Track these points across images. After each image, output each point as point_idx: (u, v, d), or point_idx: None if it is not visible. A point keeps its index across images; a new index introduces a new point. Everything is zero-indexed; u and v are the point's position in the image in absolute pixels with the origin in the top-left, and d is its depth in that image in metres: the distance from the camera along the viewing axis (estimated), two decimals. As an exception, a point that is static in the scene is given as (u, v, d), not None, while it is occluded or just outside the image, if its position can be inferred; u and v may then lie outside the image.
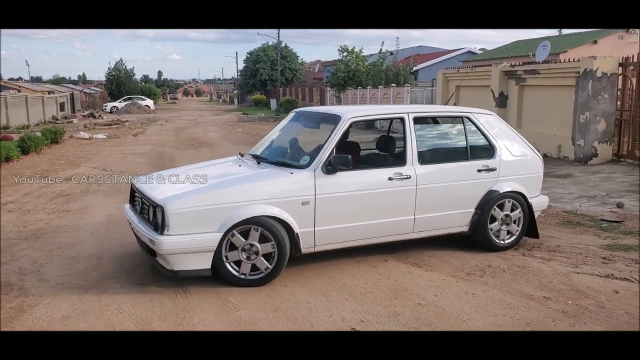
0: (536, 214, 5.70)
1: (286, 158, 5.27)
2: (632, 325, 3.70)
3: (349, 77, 27.57)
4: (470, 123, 5.53)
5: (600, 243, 5.62)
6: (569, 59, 12.44)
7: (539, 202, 5.74)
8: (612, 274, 4.67)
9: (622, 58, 10.64)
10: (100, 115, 34.52)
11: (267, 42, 51.06)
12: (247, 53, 52.58)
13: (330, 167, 4.70)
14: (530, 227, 5.60)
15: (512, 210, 5.49)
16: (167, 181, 5.03)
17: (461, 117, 5.58)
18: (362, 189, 4.88)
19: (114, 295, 4.38)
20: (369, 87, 24.84)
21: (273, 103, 42.03)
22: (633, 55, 10.43)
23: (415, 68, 28.09)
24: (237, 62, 78.07)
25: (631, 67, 10.44)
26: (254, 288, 4.48)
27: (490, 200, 5.36)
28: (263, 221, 4.47)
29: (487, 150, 5.52)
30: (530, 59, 15.52)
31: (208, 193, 4.54)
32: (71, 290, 4.51)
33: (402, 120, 5.26)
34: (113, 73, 56.76)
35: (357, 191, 4.85)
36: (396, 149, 5.53)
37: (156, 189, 4.80)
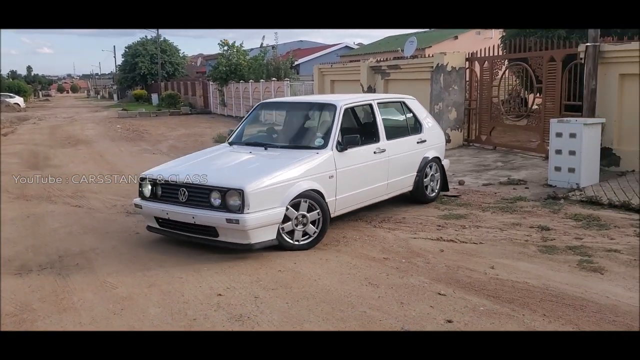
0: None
1: (296, 141, 6.20)
2: (448, 275, 4.57)
3: (230, 71, 27.74)
4: (405, 106, 7.11)
5: (439, 214, 6.60)
6: (428, 54, 13.77)
7: (446, 164, 7.55)
8: (441, 237, 5.61)
9: (469, 53, 12.00)
10: (-38, 115, 31.95)
11: (146, 36, 49.76)
12: (126, 47, 50.71)
13: (342, 146, 5.78)
14: (443, 183, 7.40)
15: (435, 171, 7.20)
16: (206, 170, 5.47)
17: (399, 101, 7.21)
18: (361, 162, 6.05)
19: (-8, 284, 4.60)
20: (251, 80, 25.27)
21: (154, 98, 41.06)
22: (477, 51, 11.81)
23: (296, 62, 28.93)
24: (115, 57, 74.66)
25: (476, 62, 11.83)
26: (131, 269, 4.90)
27: (425, 165, 7.00)
28: (310, 194, 5.36)
29: (418, 127, 7.15)
30: (400, 53, 16.80)
31: (272, 174, 5.23)
32: (-54, 284, 4.65)
33: (370, 106, 6.57)
34: (-25, 69, 52.39)
35: (358, 164, 6.00)
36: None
37: (212, 177, 5.28)
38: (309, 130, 6.44)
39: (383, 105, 6.82)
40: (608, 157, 8.51)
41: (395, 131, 6.75)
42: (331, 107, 6.14)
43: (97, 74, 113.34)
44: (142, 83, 49.57)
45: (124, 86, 54.07)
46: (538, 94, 10.42)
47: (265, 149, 6.07)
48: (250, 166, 5.70)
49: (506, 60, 11.27)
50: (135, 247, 5.59)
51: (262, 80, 24.25)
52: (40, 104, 57.78)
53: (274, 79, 23.40)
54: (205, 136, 17.60)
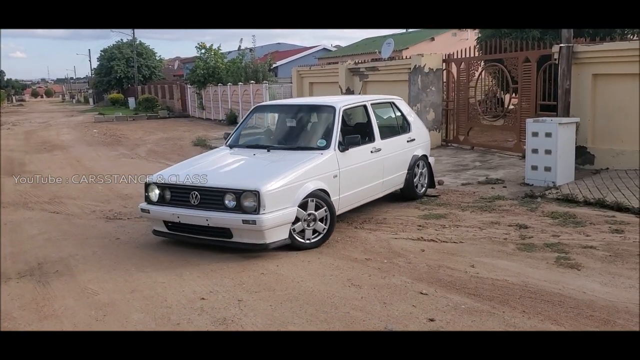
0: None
1: (298, 143, 6.31)
2: (430, 274, 4.63)
3: (208, 74, 27.60)
4: (394, 106, 7.37)
5: (419, 214, 6.66)
6: (406, 56, 13.90)
7: (432, 161, 7.79)
8: (422, 237, 5.67)
9: (445, 55, 12.13)
10: None
11: (122, 39, 49.26)
12: (101, 50, 50.06)
13: (344, 146, 5.96)
14: (430, 180, 7.63)
15: (423, 168, 7.48)
16: (214, 173, 5.63)
17: (389, 102, 7.42)
18: (360, 161, 6.23)
19: (-31, 294, 4.53)
20: (230, 84, 25.18)
21: (131, 101, 40.65)
22: (454, 52, 11.94)
23: (275, 65, 28.90)
24: (90, 60, 74.00)
25: (453, 63, 11.96)
26: (112, 275, 4.87)
27: (415, 163, 7.25)
28: (318, 193, 5.49)
29: (407, 126, 7.40)
30: (378, 55, 16.89)
31: (283, 176, 5.31)
32: None
33: (365, 107, 6.75)
34: (-55, 74, 51.27)
35: (358, 163, 6.18)
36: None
37: (224, 179, 5.42)
38: (308, 131, 6.56)
39: (375, 106, 6.96)
40: (583, 155, 8.68)
41: (387, 131, 6.96)
42: (330, 109, 6.31)
43: (71, 78, 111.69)
44: (118, 87, 49.02)
45: (100, 90, 53.37)
46: (514, 94, 10.58)
47: (268, 150, 6.20)
48: (259, 168, 5.80)
49: (482, 61, 11.42)
50: (116, 253, 5.55)
51: (240, 83, 24.19)
52: (14, 109, 56.62)
53: (252, 81, 23.35)
54: (184, 140, 17.50)
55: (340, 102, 6.48)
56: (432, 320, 3.73)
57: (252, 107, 7.38)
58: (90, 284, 4.68)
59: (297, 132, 6.70)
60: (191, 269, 4.93)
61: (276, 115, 7.38)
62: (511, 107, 10.74)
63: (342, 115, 6.28)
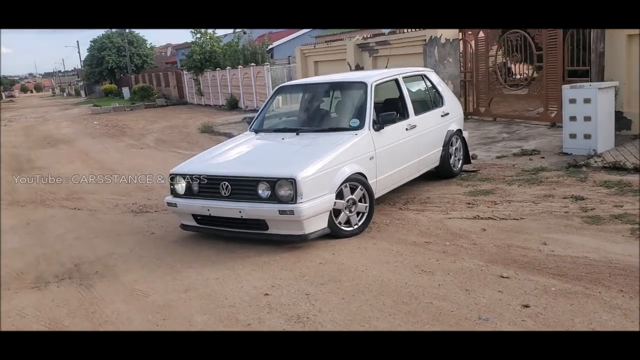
0: None
1: (328, 124, 5.94)
2: (501, 255, 4.32)
3: (205, 59, 27.04)
4: (426, 79, 6.92)
5: (463, 191, 6.34)
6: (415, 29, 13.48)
7: (466, 136, 7.32)
8: (478, 216, 5.35)
9: (461, 25, 11.73)
10: None
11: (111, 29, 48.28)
12: (91, 41, 49.19)
13: (378, 125, 5.56)
14: (465, 156, 7.20)
15: (457, 144, 7.03)
16: (243, 161, 5.48)
17: (420, 74, 6.95)
18: (396, 140, 5.82)
19: (9, 301, 4.20)
20: (228, 67, 24.67)
21: (125, 91, 39.96)
22: (469, 22, 11.53)
23: (270, 46, 28.32)
24: (79, 52, 72.86)
25: (469, 32, 11.57)
26: (158, 274, 4.55)
27: (450, 139, 6.80)
28: (356, 177, 5.14)
29: (440, 99, 6.95)
30: (379, 31, 16.45)
31: (318, 161, 4.94)
32: (-42, 305, 4.24)
33: (397, 81, 6.27)
34: None
35: (394, 143, 5.77)
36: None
37: (256, 167, 5.10)
38: (339, 111, 6.17)
39: (406, 79, 6.52)
40: (619, 120, 8.33)
41: (420, 106, 6.54)
42: (361, 85, 5.89)
43: (60, 71, 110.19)
44: (110, 77, 48.25)
45: (92, 82, 52.55)
46: (535, 62, 10.19)
47: (297, 134, 5.78)
48: (292, 153, 5.37)
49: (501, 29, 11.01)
50: (155, 249, 5.22)
51: (240, 66, 23.67)
52: (5, 105, 55.68)
53: (252, 64, 22.83)
54: (190, 127, 17.09)
55: (371, 77, 6.07)
56: (526, 306, 3.42)
57: (276, 88, 6.99)
58: (137, 284, 4.36)
59: (326, 112, 6.32)
60: (242, 263, 4.61)
61: (302, 95, 7.00)
62: (535, 75, 10.36)
63: (374, 92, 5.88)
